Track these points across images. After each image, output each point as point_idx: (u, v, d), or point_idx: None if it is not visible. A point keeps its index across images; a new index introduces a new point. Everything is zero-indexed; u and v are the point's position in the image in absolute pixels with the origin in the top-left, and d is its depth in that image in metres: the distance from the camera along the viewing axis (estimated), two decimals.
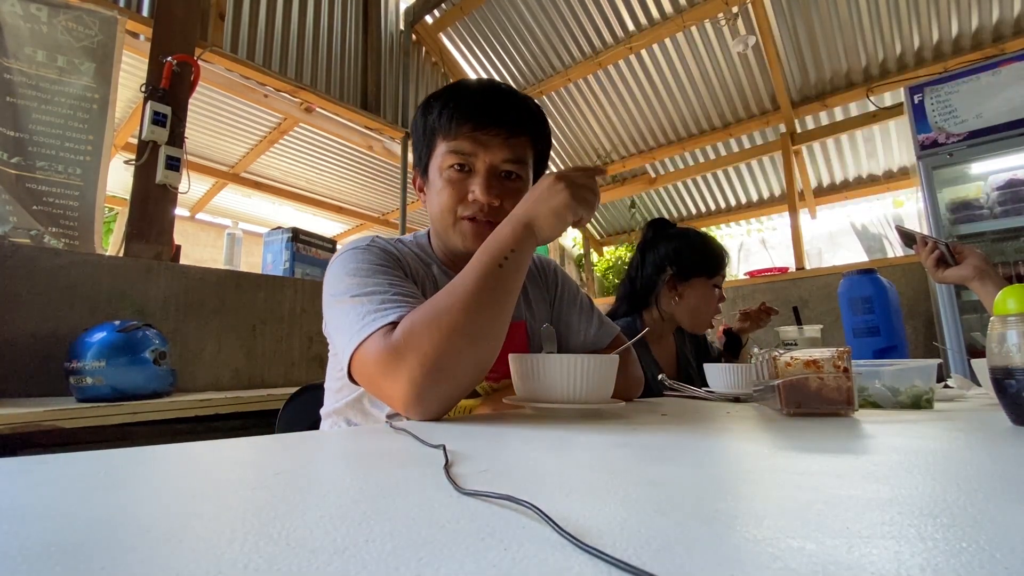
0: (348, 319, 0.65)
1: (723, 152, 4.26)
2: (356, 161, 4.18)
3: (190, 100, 2.07)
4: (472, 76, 4.28)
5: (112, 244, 3.36)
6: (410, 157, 3.58)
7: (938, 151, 2.31)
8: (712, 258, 1.37)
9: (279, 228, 2.41)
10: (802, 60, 3.48)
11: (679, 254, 1.37)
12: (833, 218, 4.73)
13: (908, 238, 1.21)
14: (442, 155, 0.78)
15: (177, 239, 1.95)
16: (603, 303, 1.61)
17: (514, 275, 0.64)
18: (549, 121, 0.86)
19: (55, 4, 1.87)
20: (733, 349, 1.61)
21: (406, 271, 0.78)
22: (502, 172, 0.78)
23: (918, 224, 2.78)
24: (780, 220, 4.83)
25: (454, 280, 0.63)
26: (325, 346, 0.85)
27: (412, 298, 0.68)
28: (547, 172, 0.67)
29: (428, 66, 4.06)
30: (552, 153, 4.25)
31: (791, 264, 3.64)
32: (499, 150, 0.76)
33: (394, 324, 0.62)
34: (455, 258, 0.85)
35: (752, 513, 0.24)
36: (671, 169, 4.57)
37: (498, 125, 0.76)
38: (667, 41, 3.60)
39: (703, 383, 1.59)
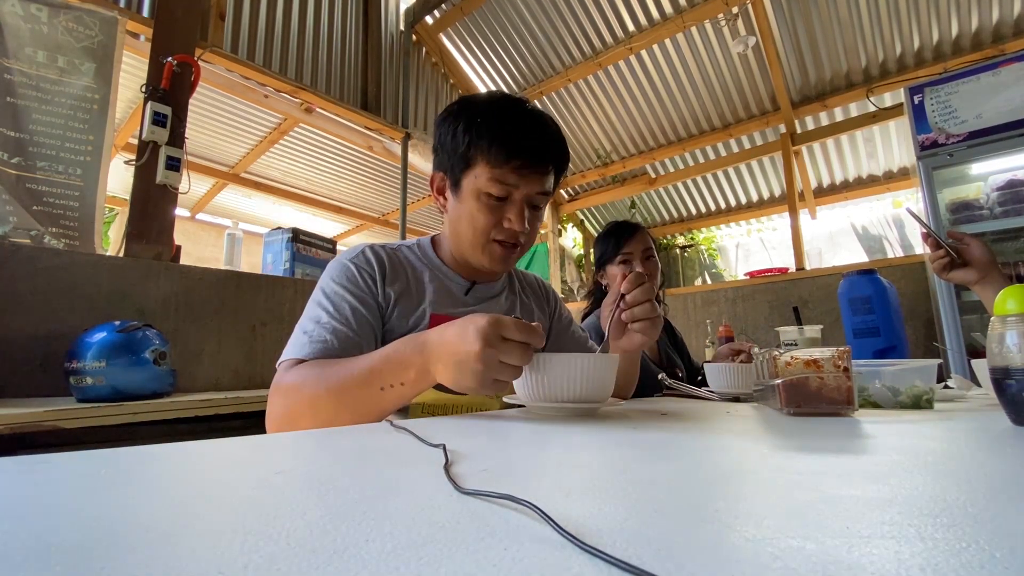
0: (296, 329, 0.77)
1: (723, 152, 4.26)
2: (356, 161, 4.18)
3: (190, 100, 2.06)
4: (472, 76, 4.28)
5: (112, 244, 3.36)
6: (410, 157, 3.58)
7: (938, 151, 2.31)
8: (606, 244, 1.56)
9: (279, 228, 2.41)
10: (802, 60, 3.48)
11: (596, 252, 1.62)
12: (833, 218, 4.73)
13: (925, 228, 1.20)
14: (484, 180, 0.79)
15: (177, 239, 1.95)
16: None
17: (392, 402, 0.65)
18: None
19: (55, 4, 1.87)
20: None
21: (385, 280, 0.83)
22: (533, 203, 0.83)
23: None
24: (780, 220, 4.83)
25: (352, 365, 0.66)
26: None
27: (343, 329, 0.75)
28: (480, 320, 0.57)
29: (428, 67, 4.06)
30: None
31: (791, 264, 3.64)
32: (536, 183, 0.81)
33: (301, 360, 0.72)
34: (466, 266, 0.90)
35: (752, 513, 0.24)
36: (671, 169, 4.57)
37: (540, 163, 0.80)
38: (667, 41, 3.60)
39: (688, 371, 1.61)
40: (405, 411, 0.80)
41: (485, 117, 0.80)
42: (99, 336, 1.35)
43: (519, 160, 0.78)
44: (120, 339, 1.36)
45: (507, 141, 0.78)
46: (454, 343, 0.58)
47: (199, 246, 5.21)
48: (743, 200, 4.68)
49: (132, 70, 2.55)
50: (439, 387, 0.81)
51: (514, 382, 0.68)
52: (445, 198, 0.88)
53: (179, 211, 2.03)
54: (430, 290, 0.86)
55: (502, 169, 0.78)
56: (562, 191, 5.01)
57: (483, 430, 0.54)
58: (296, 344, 0.74)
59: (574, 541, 0.20)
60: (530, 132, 0.80)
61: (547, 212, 5.00)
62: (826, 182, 4.25)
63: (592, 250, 1.68)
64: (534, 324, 0.59)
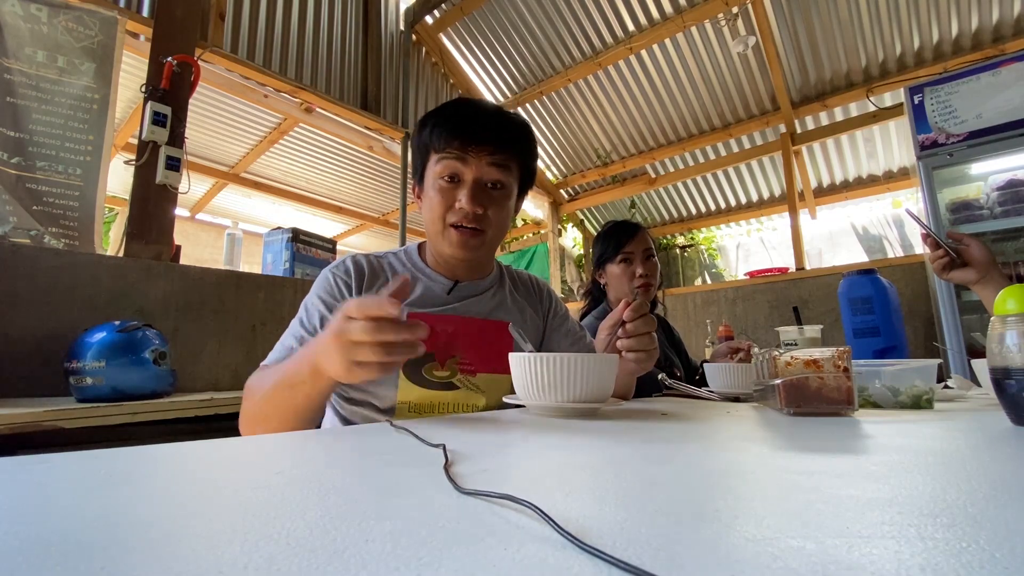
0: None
1: (723, 152, 4.26)
2: (356, 161, 4.18)
3: (190, 100, 2.06)
4: (472, 76, 4.28)
5: (112, 244, 3.36)
6: (410, 158, 3.58)
7: (938, 151, 2.31)
8: (606, 244, 1.57)
9: (279, 228, 2.41)
10: (802, 60, 3.48)
11: (595, 251, 1.63)
12: (833, 218, 4.73)
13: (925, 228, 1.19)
14: (434, 168, 0.86)
15: (177, 239, 1.95)
16: None
17: (302, 402, 0.67)
18: (535, 133, 0.93)
19: (55, 4, 1.87)
20: None
21: (362, 287, 0.86)
22: (487, 183, 0.85)
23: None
24: (780, 220, 4.83)
25: (279, 367, 0.71)
26: None
27: (308, 337, 0.79)
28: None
29: (428, 66, 4.06)
30: (552, 153, 4.24)
31: (791, 264, 3.64)
32: (484, 163, 0.84)
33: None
34: (445, 263, 0.93)
35: (752, 513, 0.24)
36: (671, 169, 4.57)
37: (483, 142, 0.83)
38: (667, 41, 3.60)
39: (686, 370, 1.61)
40: (392, 412, 0.80)
41: (437, 112, 0.86)
42: (99, 336, 1.35)
43: (460, 139, 0.82)
44: (120, 339, 1.36)
45: (448, 125, 0.83)
46: (324, 334, 0.60)
47: (199, 246, 5.21)
48: (743, 200, 4.68)
49: (132, 70, 2.55)
50: (425, 385, 0.81)
51: (514, 382, 0.68)
52: (420, 200, 0.93)
53: (179, 211, 2.03)
54: (411, 291, 0.88)
55: (447, 154, 0.83)
56: (562, 191, 5.01)
57: (483, 430, 0.54)
58: (271, 352, 0.81)
59: (574, 541, 0.20)
60: (473, 115, 0.85)
61: (547, 212, 5.00)
62: (826, 182, 4.25)
63: (591, 250, 1.68)
64: (387, 295, 0.54)
